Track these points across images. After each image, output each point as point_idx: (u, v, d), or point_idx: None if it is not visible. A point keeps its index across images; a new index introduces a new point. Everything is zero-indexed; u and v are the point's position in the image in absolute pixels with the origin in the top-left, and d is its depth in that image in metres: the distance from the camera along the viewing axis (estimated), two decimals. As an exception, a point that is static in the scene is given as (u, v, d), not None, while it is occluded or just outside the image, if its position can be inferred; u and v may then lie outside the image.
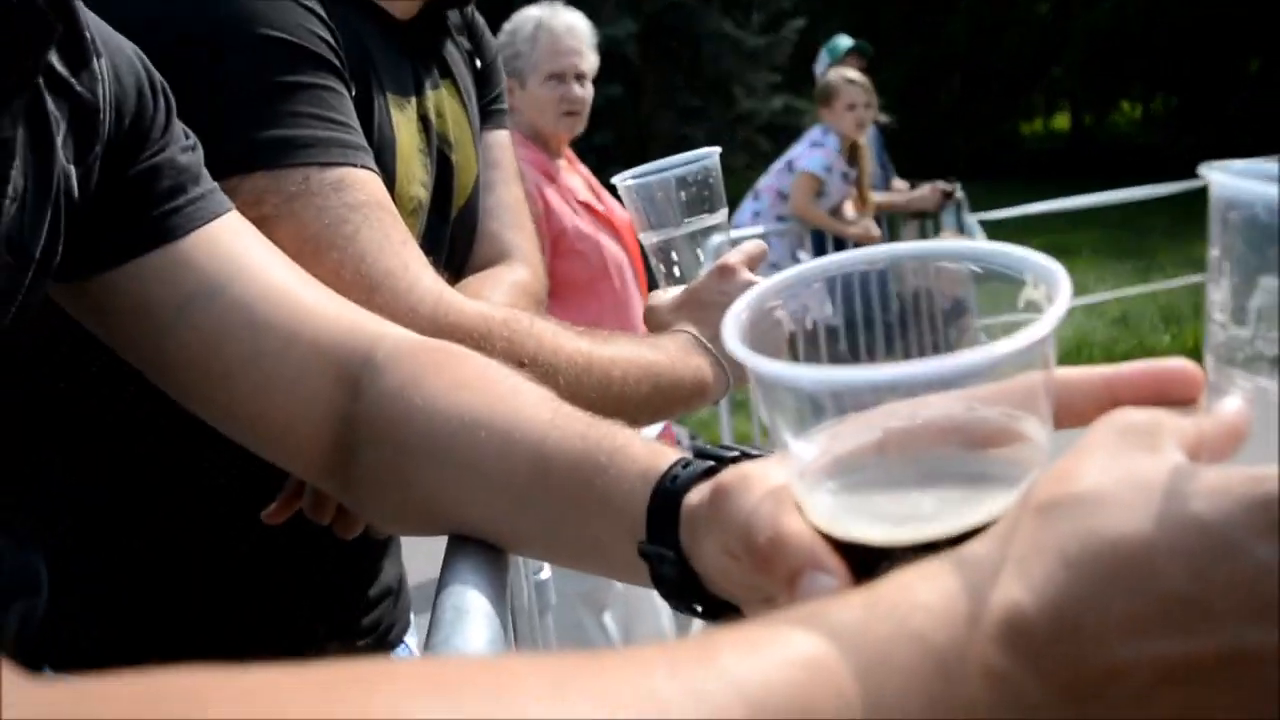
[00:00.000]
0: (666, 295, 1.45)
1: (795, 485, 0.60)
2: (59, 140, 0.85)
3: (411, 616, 1.54)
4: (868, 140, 6.85)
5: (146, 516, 1.24)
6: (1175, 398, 0.56)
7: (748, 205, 6.73)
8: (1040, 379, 0.54)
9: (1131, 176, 10.14)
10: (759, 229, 6.23)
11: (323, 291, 0.99)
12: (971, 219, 7.45)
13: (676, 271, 1.51)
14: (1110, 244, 12.85)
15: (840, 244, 6.38)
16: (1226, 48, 21.76)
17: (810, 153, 6.33)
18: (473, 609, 0.76)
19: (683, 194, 1.48)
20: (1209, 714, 0.45)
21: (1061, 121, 30.01)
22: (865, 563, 0.56)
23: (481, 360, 0.94)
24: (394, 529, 1.05)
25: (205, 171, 1.00)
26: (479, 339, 1.11)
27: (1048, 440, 0.55)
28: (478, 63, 1.54)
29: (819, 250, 6.32)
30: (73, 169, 0.87)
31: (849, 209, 6.39)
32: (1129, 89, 27.06)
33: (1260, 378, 0.49)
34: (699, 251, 1.51)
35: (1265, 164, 0.50)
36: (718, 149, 1.52)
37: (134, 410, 1.16)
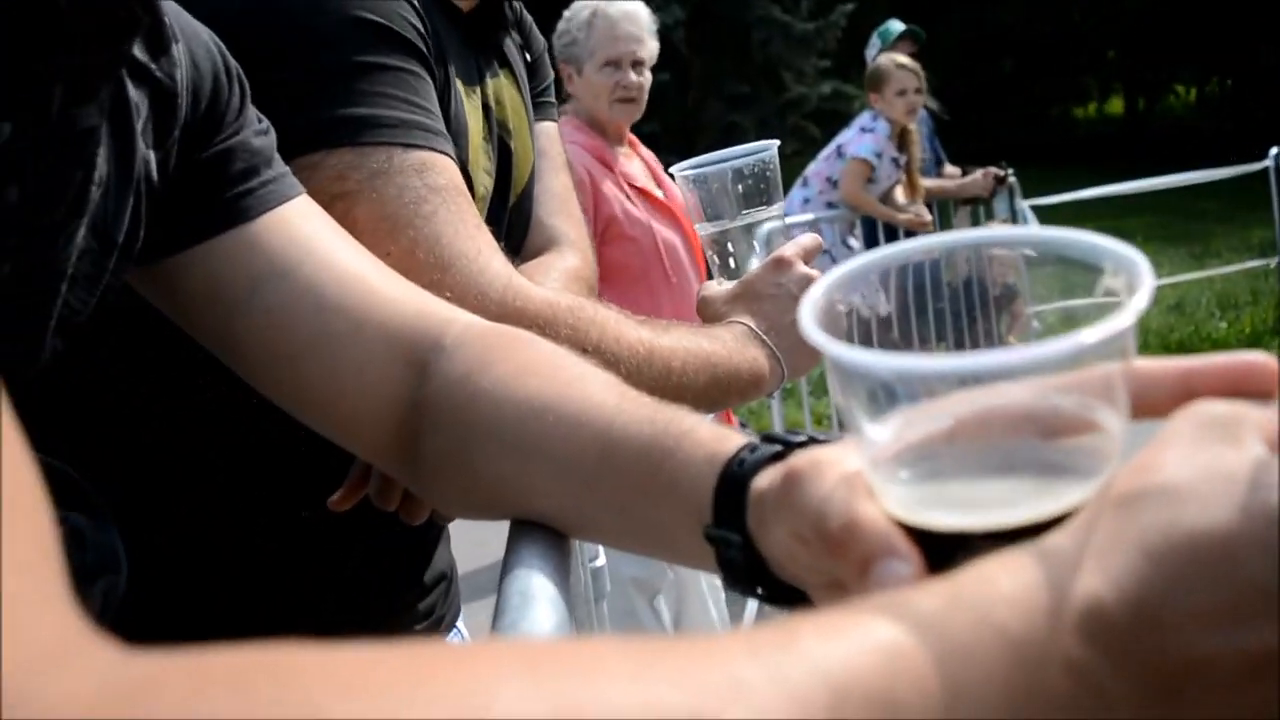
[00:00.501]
0: (721, 287, 1.46)
1: (869, 472, 0.60)
2: (139, 127, 0.86)
3: (460, 604, 1.56)
4: (919, 124, 6.80)
5: (212, 496, 1.25)
6: (1252, 391, 0.56)
7: (797, 192, 6.70)
8: (1119, 370, 0.53)
9: (1186, 160, 10.05)
10: (809, 216, 6.22)
11: (392, 276, 1.00)
12: (1024, 204, 7.40)
13: (732, 263, 1.51)
14: (1165, 229, 12.73)
15: (891, 230, 6.35)
16: (1282, 29, 21.45)
17: (860, 138, 6.28)
18: (538, 594, 0.76)
19: (739, 186, 1.48)
20: None
21: (1115, 105, 29.74)
22: (940, 551, 0.56)
23: (549, 346, 0.95)
24: (459, 513, 1.05)
25: (277, 155, 1.02)
26: (544, 325, 1.12)
27: (1124, 432, 0.54)
28: (527, 56, 1.56)
29: (870, 236, 6.29)
30: (153, 154, 0.88)
31: (900, 195, 6.35)
32: (1183, 72, 26.76)
33: None
34: (755, 243, 1.51)
35: None
36: (776, 142, 1.52)
37: (201, 394, 1.18)
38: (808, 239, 1.47)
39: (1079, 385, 0.53)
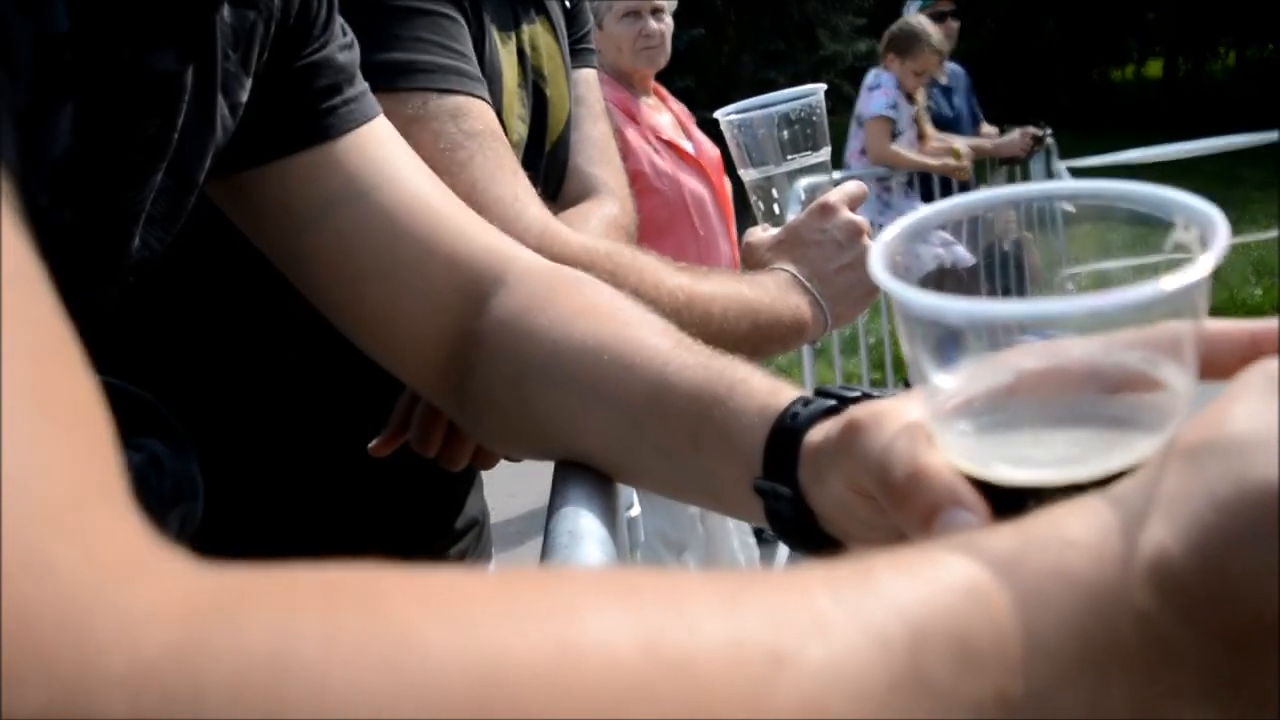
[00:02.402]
0: (765, 233, 1.45)
1: (933, 423, 0.59)
2: (226, 64, 0.85)
3: (493, 550, 1.56)
4: (956, 82, 6.74)
5: (244, 435, 1.26)
6: None
7: (839, 174, 6.66)
8: (1189, 327, 0.52)
9: (1225, 125, 9.92)
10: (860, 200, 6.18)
11: (462, 208, 1.00)
12: (1061, 165, 7.33)
13: (776, 209, 1.50)
14: (1201, 194, 12.58)
15: (927, 179, 6.30)
16: (1328, -6, 21.15)
17: (871, 97, 6.23)
18: (587, 532, 0.77)
19: (785, 132, 1.47)
20: None
21: (1154, 69, 29.38)
22: (1003, 504, 0.56)
23: (608, 289, 0.95)
24: (505, 449, 1.06)
25: (359, 73, 1.01)
26: (583, 270, 1.12)
27: (1191, 390, 0.53)
28: (566, 3, 1.55)
29: (924, 192, 6.25)
30: (244, 79, 0.88)
31: (932, 135, 6.31)
32: (1224, 36, 26.42)
33: None
34: (801, 189, 1.50)
35: None
36: (822, 86, 1.50)
37: (245, 330, 1.18)
38: (853, 185, 1.46)
39: (1145, 342, 0.52)
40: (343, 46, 1.00)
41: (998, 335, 0.53)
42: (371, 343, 1.00)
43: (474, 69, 1.20)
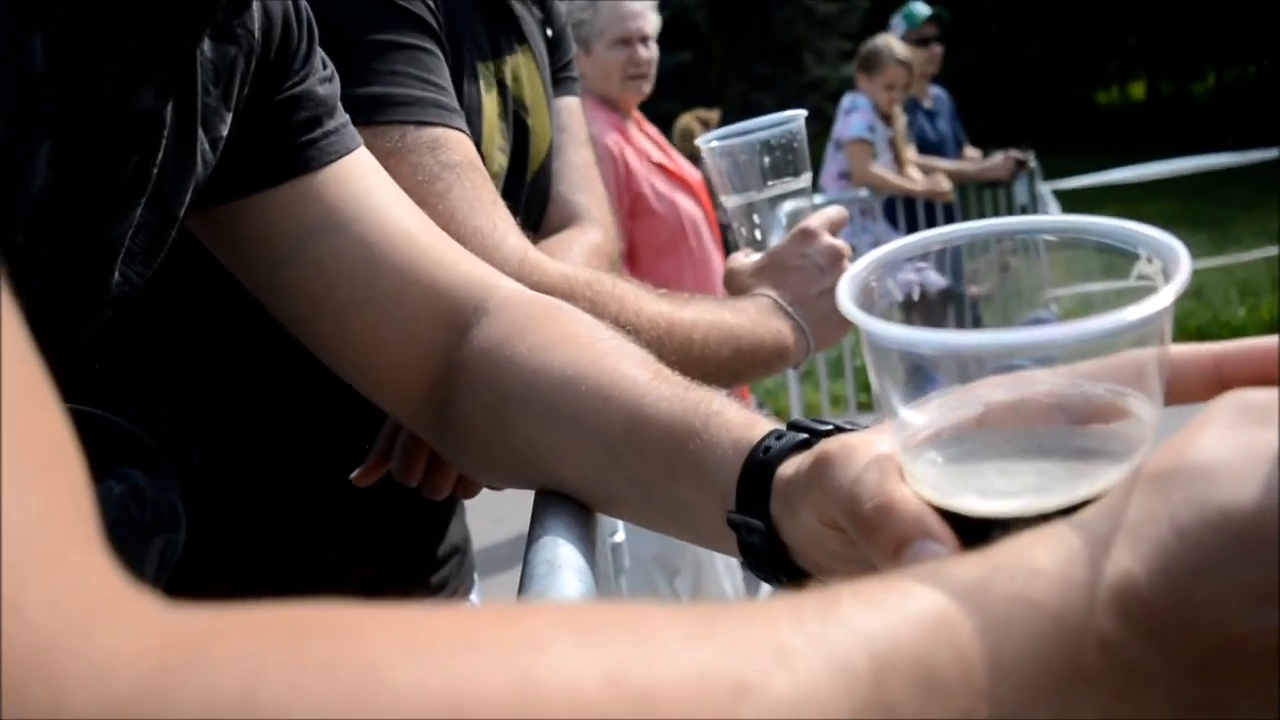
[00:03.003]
0: (747, 259, 1.46)
1: (901, 455, 0.60)
2: (206, 99, 0.86)
3: (475, 577, 1.56)
4: (940, 105, 6.77)
5: (229, 463, 1.26)
6: None
7: (817, 198, 6.68)
8: (1154, 355, 0.53)
9: (1208, 146, 9.98)
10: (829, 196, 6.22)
11: (442, 237, 1.01)
12: (1044, 188, 7.36)
13: (758, 235, 1.50)
14: (1185, 215, 12.64)
15: (910, 204, 6.32)
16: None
17: (848, 121, 6.24)
18: (565, 563, 0.76)
19: (766, 158, 1.47)
20: None
21: (1137, 90, 29.53)
22: (973, 534, 0.56)
23: (588, 318, 0.95)
24: (485, 478, 1.06)
25: (340, 105, 1.02)
26: (562, 299, 1.13)
27: (1156, 418, 0.54)
28: (548, 31, 1.56)
29: (890, 218, 6.27)
30: (225, 114, 0.88)
31: (914, 172, 6.32)
32: (1206, 57, 26.55)
33: None
34: (781, 215, 1.50)
35: None
36: (803, 112, 1.50)
37: (226, 357, 1.18)
38: (833, 211, 1.47)
39: (1110, 372, 0.53)
40: (323, 79, 1.00)
41: (967, 367, 0.53)
42: (353, 373, 1.00)
43: (451, 100, 1.21)
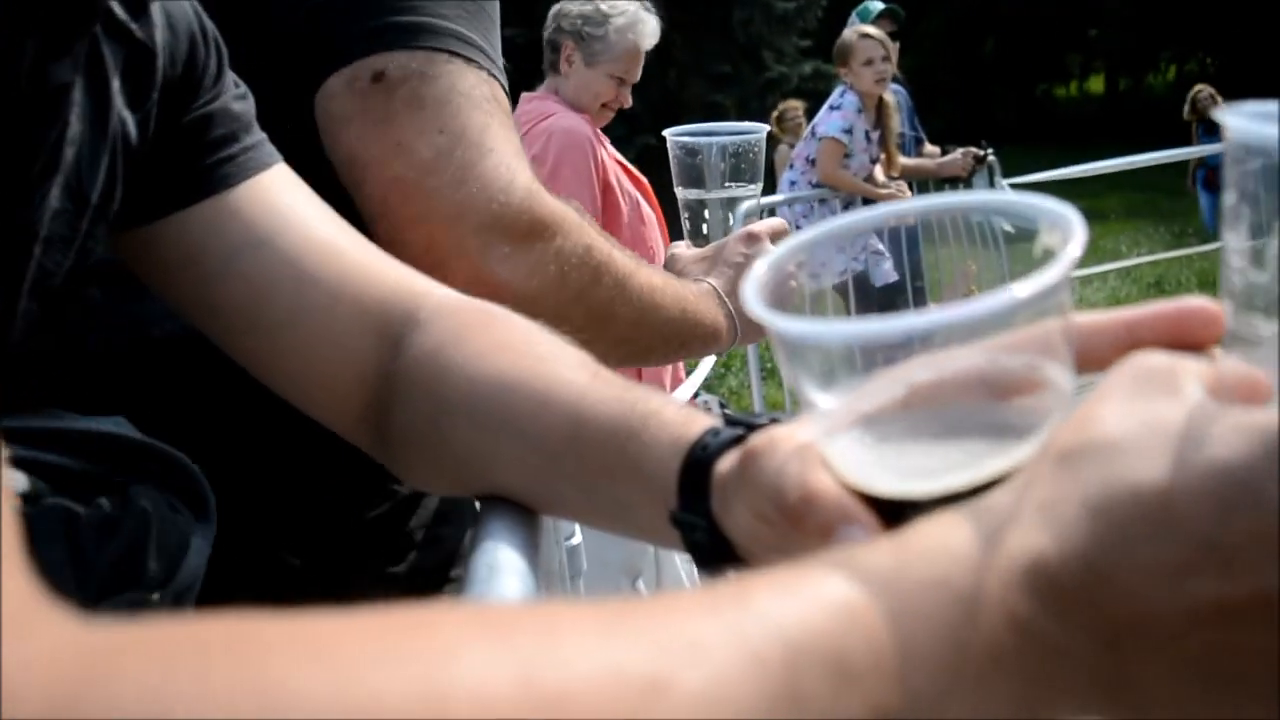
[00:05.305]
0: (690, 250, 1.53)
1: (822, 442, 0.61)
2: (115, 85, 0.85)
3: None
4: (898, 104, 6.80)
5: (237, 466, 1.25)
6: (1196, 338, 0.56)
7: (785, 175, 6.71)
8: (1058, 325, 0.54)
9: (1167, 139, 10.06)
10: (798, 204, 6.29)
11: (369, 247, 1.00)
12: (1004, 183, 7.40)
13: (704, 230, 1.61)
14: (1145, 208, 12.76)
15: (870, 204, 6.36)
16: (1265, 7, 21.46)
17: (828, 117, 6.25)
18: (506, 566, 0.76)
19: (724, 162, 1.58)
20: (1241, 656, 0.45)
21: (1096, 84, 29.75)
22: (895, 515, 0.57)
23: (523, 322, 0.95)
24: (427, 487, 1.06)
25: (255, 122, 1.01)
26: (553, 225, 1.17)
27: (1071, 386, 0.55)
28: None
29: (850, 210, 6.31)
30: (130, 115, 0.87)
31: (879, 173, 6.35)
32: (1164, 50, 26.78)
33: None
34: (730, 215, 1.61)
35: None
36: (766, 127, 1.64)
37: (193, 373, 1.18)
38: (776, 221, 1.55)
39: (1026, 344, 0.54)
40: (237, 97, 0.99)
41: (874, 353, 0.54)
42: (289, 389, 0.99)
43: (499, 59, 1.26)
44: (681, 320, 1.32)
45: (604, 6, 3.90)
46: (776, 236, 1.51)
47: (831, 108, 6.27)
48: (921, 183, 6.93)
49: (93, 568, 0.77)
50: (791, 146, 7.46)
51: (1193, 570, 0.44)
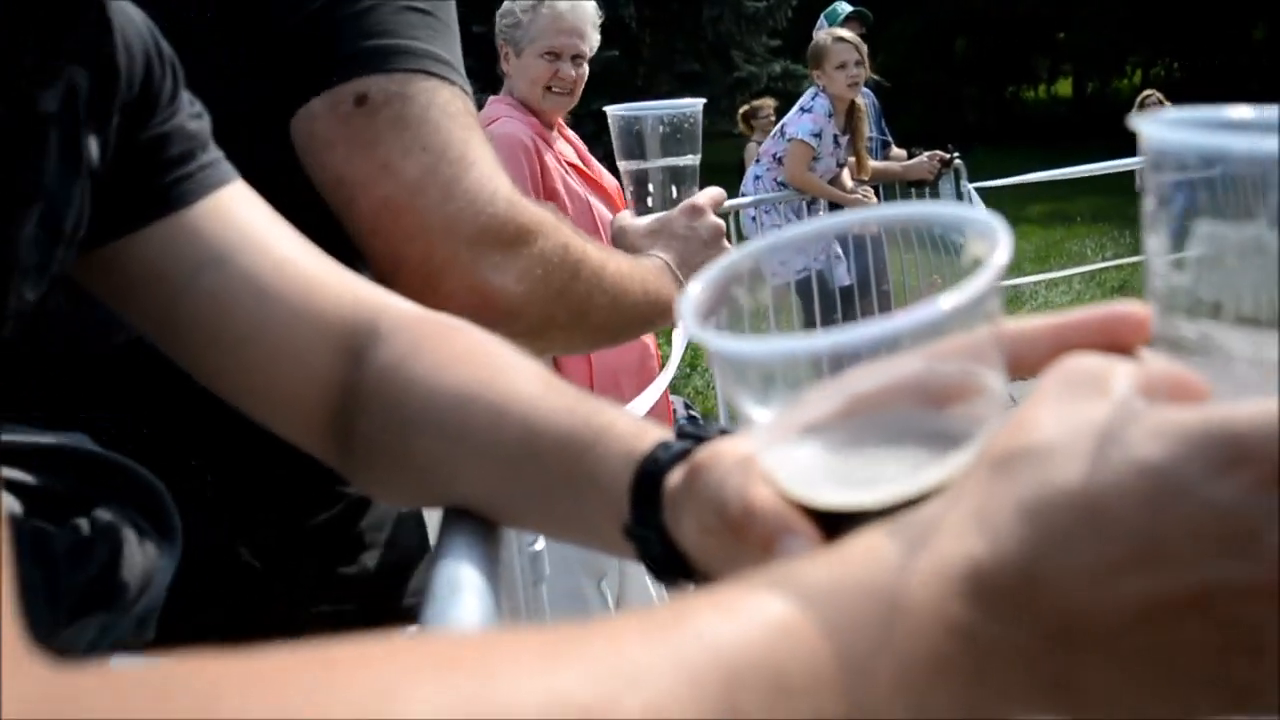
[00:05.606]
0: (638, 221, 1.59)
1: (762, 455, 0.62)
2: (83, 112, 0.86)
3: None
4: (865, 108, 6.84)
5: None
6: (1125, 341, 0.57)
7: (750, 170, 6.74)
8: (988, 333, 0.55)
9: (1134, 143, 10.11)
10: (758, 196, 6.32)
11: (328, 262, 1.01)
12: (969, 187, 7.45)
13: (649, 201, 1.69)
14: (1111, 211, 12.82)
15: (835, 207, 6.39)
16: (1230, 13, 21.67)
17: (799, 119, 6.28)
18: (466, 584, 0.77)
19: (662, 129, 1.68)
20: (1182, 650, 0.46)
21: (1065, 87, 29.93)
22: (835, 525, 0.58)
23: (480, 334, 0.96)
24: (390, 498, 1.07)
25: (212, 140, 1.01)
26: (534, 229, 1.20)
27: (1004, 391, 0.56)
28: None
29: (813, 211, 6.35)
30: (94, 138, 0.88)
31: (847, 177, 6.38)
32: (1132, 55, 26.97)
33: (1203, 321, 0.50)
34: (671, 186, 1.69)
35: (1198, 112, 0.51)
36: (702, 100, 1.73)
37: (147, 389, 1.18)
38: (716, 191, 1.62)
39: (961, 350, 0.54)
40: (192, 116, 0.99)
41: (818, 366, 0.55)
42: (253, 405, 1.00)
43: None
44: (645, 301, 1.37)
45: (511, 4, 3.94)
46: (716, 206, 1.58)
47: (802, 110, 6.30)
48: (888, 186, 6.98)
49: (65, 589, 0.77)
50: (759, 145, 7.49)
51: (1126, 568, 0.45)
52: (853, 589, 0.47)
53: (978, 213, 0.57)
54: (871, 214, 0.63)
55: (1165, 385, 0.50)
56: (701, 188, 1.65)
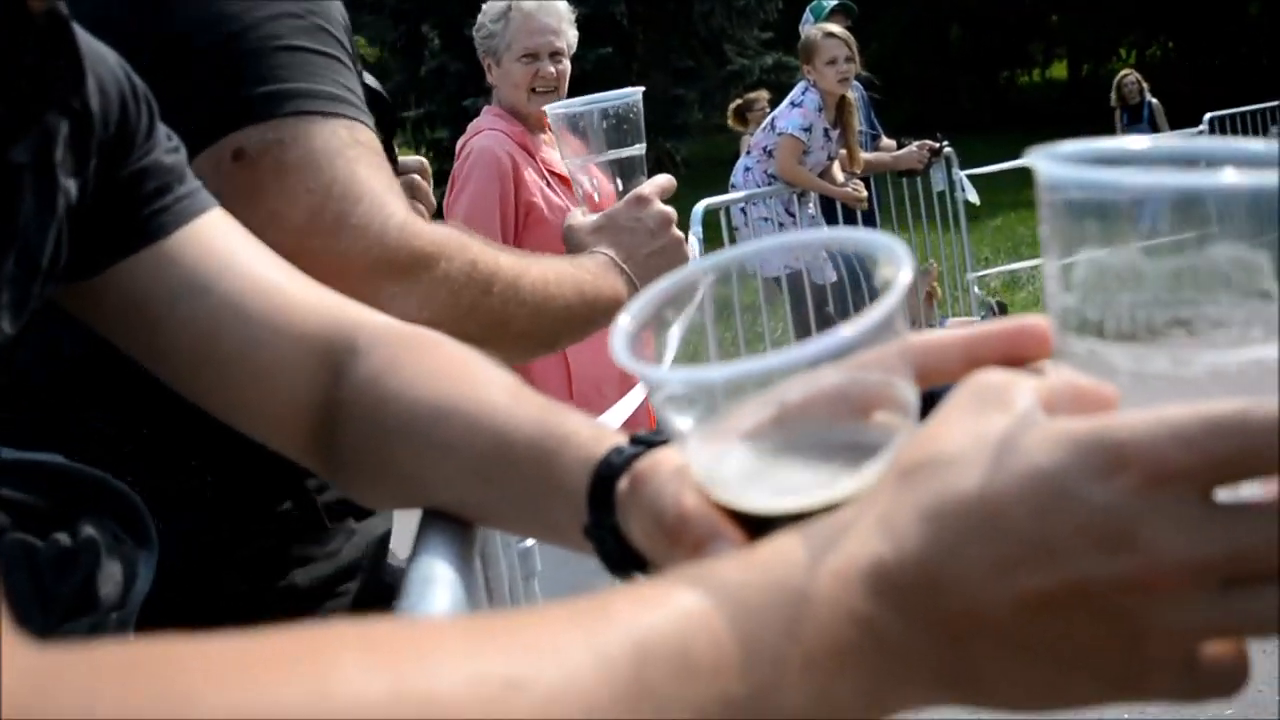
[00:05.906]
0: (586, 219, 1.59)
1: (695, 464, 0.67)
2: (59, 156, 0.89)
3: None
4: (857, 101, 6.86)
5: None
6: (1029, 353, 0.62)
7: (741, 160, 6.76)
8: (898, 348, 0.60)
9: (1127, 127, 10.12)
10: (750, 187, 6.35)
11: (307, 282, 1.05)
12: (961, 174, 7.47)
13: (596, 197, 1.69)
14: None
15: (828, 203, 6.43)
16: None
17: (789, 113, 6.31)
18: (438, 577, 0.83)
19: (604, 124, 1.65)
20: (1075, 641, 0.51)
21: (1059, 71, 29.85)
22: (761, 529, 0.62)
23: (455, 347, 1.00)
24: (372, 502, 1.11)
25: (189, 171, 1.05)
26: (435, 253, 1.21)
27: (916, 401, 0.61)
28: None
29: (827, 209, 6.40)
30: (73, 182, 0.92)
31: (837, 170, 6.41)
32: (1127, 37, 26.89)
33: (1089, 339, 0.55)
34: (618, 180, 1.68)
35: (1089, 144, 0.55)
36: (641, 89, 1.70)
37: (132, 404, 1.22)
38: (663, 178, 1.62)
39: (879, 362, 0.59)
40: (168, 150, 1.03)
41: (715, 391, 0.61)
42: (241, 421, 1.04)
43: (364, 106, 1.28)
44: (581, 302, 1.37)
45: (483, 8, 4.04)
46: (665, 194, 1.58)
47: (793, 104, 6.32)
48: (879, 176, 7.00)
49: (54, 597, 0.82)
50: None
51: (1017, 565, 0.51)
52: (761, 583, 0.52)
53: (883, 237, 0.61)
54: (779, 241, 0.69)
55: (1068, 397, 0.55)
56: (699, 182, 1.62)
